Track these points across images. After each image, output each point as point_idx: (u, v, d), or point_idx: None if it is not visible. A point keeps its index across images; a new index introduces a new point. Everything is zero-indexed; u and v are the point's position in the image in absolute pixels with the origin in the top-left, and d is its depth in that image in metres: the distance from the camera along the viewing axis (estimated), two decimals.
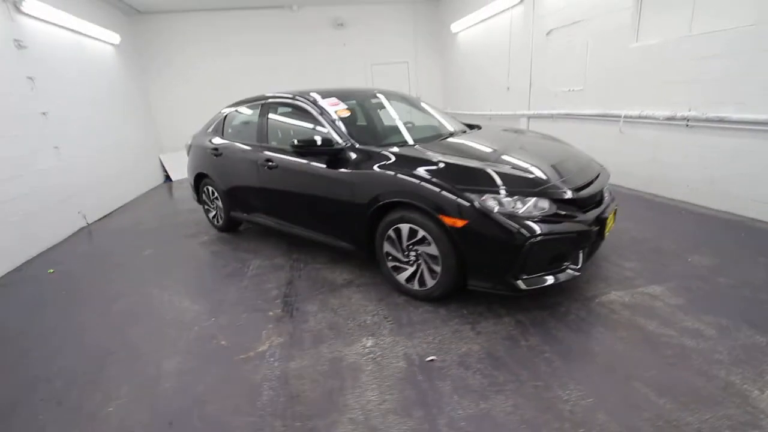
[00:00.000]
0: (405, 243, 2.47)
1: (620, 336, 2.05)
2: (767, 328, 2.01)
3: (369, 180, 2.57)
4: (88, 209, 5.22)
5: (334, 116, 2.96)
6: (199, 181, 4.32)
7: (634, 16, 4.25)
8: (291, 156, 3.10)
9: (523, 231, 2.05)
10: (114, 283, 3.35)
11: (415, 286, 2.53)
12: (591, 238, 2.26)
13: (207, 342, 2.35)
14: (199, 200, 4.55)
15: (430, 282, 2.44)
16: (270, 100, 3.54)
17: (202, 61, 8.25)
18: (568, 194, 2.20)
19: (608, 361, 1.88)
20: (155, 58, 8.02)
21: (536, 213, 2.12)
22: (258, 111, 3.61)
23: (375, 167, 2.56)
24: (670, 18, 3.92)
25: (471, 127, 3.54)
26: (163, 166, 8.21)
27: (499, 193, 2.13)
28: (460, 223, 2.15)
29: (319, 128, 3.00)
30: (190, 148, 4.48)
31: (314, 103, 3.11)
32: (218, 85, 8.22)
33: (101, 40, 6.28)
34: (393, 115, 3.43)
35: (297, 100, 3.25)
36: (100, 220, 5.49)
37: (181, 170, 7.51)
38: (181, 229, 4.74)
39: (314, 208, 3.07)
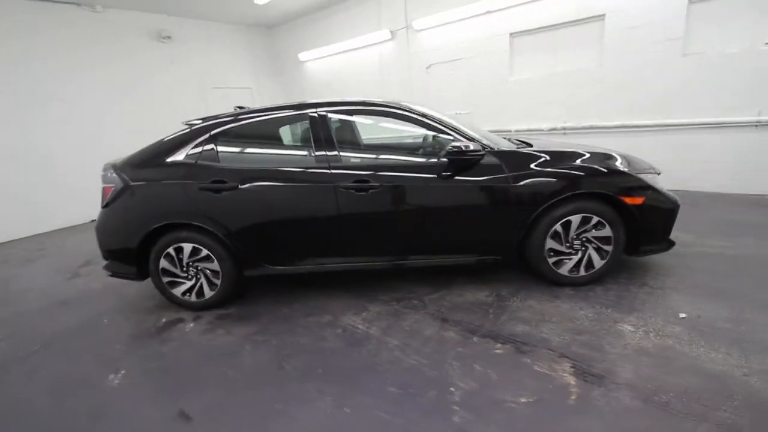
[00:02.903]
0: (572, 233, 2.62)
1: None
2: None
3: (536, 180, 2.55)
4: None
5: (452, 121, 2.72)
6: (152, 242, 2.73)
7: (509, 58, 5.75)
8: (402, 171, 2.63)
9: (676, 199, 2.66)
10: None
11: (581, 272, 2.70)
12: None
13: None
14: (145, 274, 2.84)
15: (598, 263, 2.68)
16: (331, 109, 2.76)
17: None
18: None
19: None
20: None
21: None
22: (305, 123, 2.73)
23: (532, 166, 2.57)
24: (539, 59, 5.58)
25: None
26: None
27: (655, 172, 2.66)
28: (640, 200, 2.54)
29: (443, 136, 2.71)
30: (118, 193, 2.73)
31: (411, 110, 2.73)
32: None
33: None
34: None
35: (392, 107, 2.75)
36: None
37: None
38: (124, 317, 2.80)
39: (440, 227, 2.70)
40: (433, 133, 2.85)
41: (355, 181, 2.58)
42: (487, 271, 3.08)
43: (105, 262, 2.93)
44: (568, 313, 2.44)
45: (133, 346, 2.55)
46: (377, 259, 2.76)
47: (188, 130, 2.81)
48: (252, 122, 2.79)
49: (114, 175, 2.77)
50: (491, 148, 2.63)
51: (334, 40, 7.69)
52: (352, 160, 2.75)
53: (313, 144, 2.69)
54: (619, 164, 2.63)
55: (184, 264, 2.80)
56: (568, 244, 2.65)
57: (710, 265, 2.90)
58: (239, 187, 2.63)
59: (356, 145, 3.28)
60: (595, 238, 2.63)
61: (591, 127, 5.29)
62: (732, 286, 2.58)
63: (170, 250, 2.75)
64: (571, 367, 1.97)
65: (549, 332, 2.26)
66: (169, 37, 6.89)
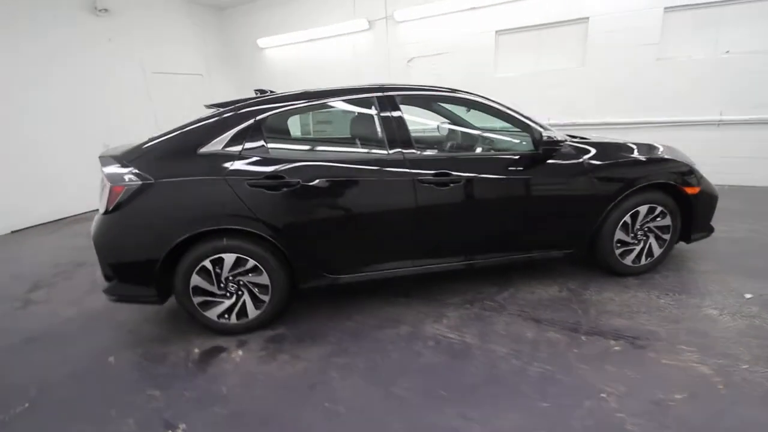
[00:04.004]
0: (638, 224, 2.66)
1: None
2: None
3: (614, 171, 2.54)
4: None
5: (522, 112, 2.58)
6: (178, 255, 2.17)
7: (495, 55, 5.83)
8: (484, 162, 2.43)
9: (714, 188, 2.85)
10: None
11: (642, 261, 2.76)
12: None
13: None
14: (166, 294, 2.25)
15: (657, 252, 2.76)
16: (405, 93, 2.47)
17: None
18: None
19: None
20: None
21: None
22: (373, 108, 2.37)
23: (609, 157, 2.55)
24: (524, 58, 5.73)
25: None
26: None
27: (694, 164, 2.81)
28: (696, 190, 2.67)
29: (519, 128, 2.58)
30: (135, 193, 2.09)
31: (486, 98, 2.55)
32: None
33: None
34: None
35: (462, 93, 2.53)
36: None
37: None
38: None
39: (523, 221, 2.56)
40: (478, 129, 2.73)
41: (435, 174, 2.31)
42: (540, 266, 3.02)
43: (105, 284, 2.26)
44: (650, 303, 2.46)
45: (175, 389, 1.98)
46: (451, 259, 2.52)
47: (225, 115, 2.28)
48: (308, 106, 2.35)
49: (126, 170, 2.13)
50: (564, 138, 2.56)
51: (300, 27, 7.12)
52: (427, 151, 2.47)
53: (384, 132, 2.36)
54: (678, 156, 2.74)
55: (223, 279, 2.27)
56: (632, 235, 2.69)
57: (728, 248, 3.16)
58: (301, 183, 2.19)
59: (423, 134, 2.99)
60: (656, 227, 2.71)
61: (572, 125, 5.58)
62: (763, 264, 2.84)
63: (206, 263, 2.20)
64: (695, 356, 1.96)
65: (649, 323, 2.25)
66: (106, 10, 5.73)
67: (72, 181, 5.57)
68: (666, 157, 2.66)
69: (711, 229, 2.88)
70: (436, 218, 2.39)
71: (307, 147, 2.51)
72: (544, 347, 2.11)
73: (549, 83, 5.59)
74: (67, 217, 5.63)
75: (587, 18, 5.16)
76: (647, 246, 2.74)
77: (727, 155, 4.86)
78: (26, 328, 2.64)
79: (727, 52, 4.62)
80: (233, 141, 2.22)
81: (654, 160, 2.62)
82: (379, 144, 2.37)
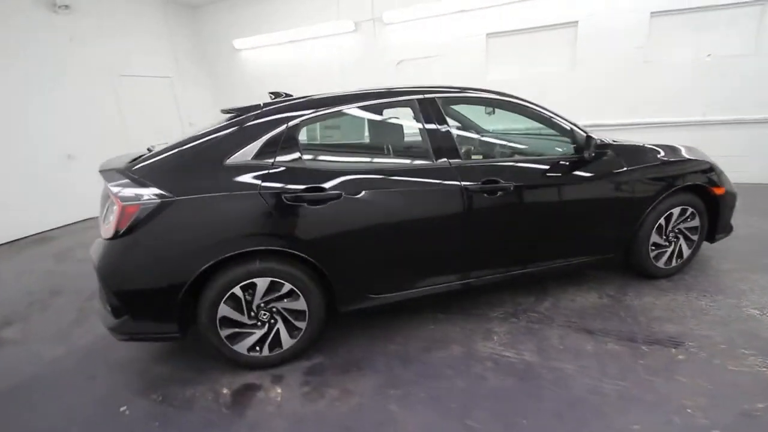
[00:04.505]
0: (671, 226, 2.65)
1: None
2: None
3: (653, 174, 2.51)
4: None
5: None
6: (201, 282, 1.88)
7: (486, 58, 5.81)
8: (532, 169, 2.32)
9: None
10: None
11: (673, 263, 2.75)
12: None
13: None
14: (185, 327, 1.95)
15: (686, 253, 2.76)
16: (448, 95, 2.32)
17: None
18: None
19: None
20: None
21: None
22: (415, 112, 2.18)
23: (647, 161, 2.53)
24: (515, 61, 5.75)
25: None
26: None
27: None
28: (722, 190, 2.69)
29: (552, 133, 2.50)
30: (153, 212, 1.78)
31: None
32: None
33: None
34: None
35: (506, 96, 2.42)
36: None
37: None
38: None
39: (570, 228, 2.48)
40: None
41: (484, 182, 2.17)
42: (573, 272, 2.93)
43: (113, 321, 1.92)
44: (692, 305, 2.44)
45: None
46: (497, 270, 2.38)
47: (252, 122, 2.01)
48: (342, 110, 2.13)
49: (140, 187, 1.82)
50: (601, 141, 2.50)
51: (280, 28, 6.80)
52: (473, 156, 2.32)
53: (427, 137, 2.18)
54: (700, 156, 2.76)
55: (254, 307, 2.00)
56: (664, 237, 2.68)
57: (740, 245, 3.24)
58: (344, 195, 1.97)
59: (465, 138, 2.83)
60: (686, 228, 2.72)
61: None
62: None
63: (236, 290, 1.92)
64: (759, 360, 1.93)
65: (700, 328, 2.21)
66: (66, 7, 5.15)
67: (28, 196, 4.94)
68: (696, 158, 2.67)
69: (731, 228, 2.94)
70: (484, 228, 2.25)
71: (345, 155, 2.29)
72: (608, 361, 2.01)
73: (540, 86, 5.63)
74: (24, 238, 4.98)
75: (576, 22, 5.26)
76: (677, 248, 2.74)
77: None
78: (6, 374, 2.22)
79: (709, 55, 4.86)
80: (264, 150, 1.96)
81: (686, 162, 2.62)
82: (424, 151, 2.20)
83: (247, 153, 1.95)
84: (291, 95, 2.55)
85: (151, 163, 1.91)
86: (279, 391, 1.96)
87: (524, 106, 2.48)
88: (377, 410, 1.79)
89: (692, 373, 1.89)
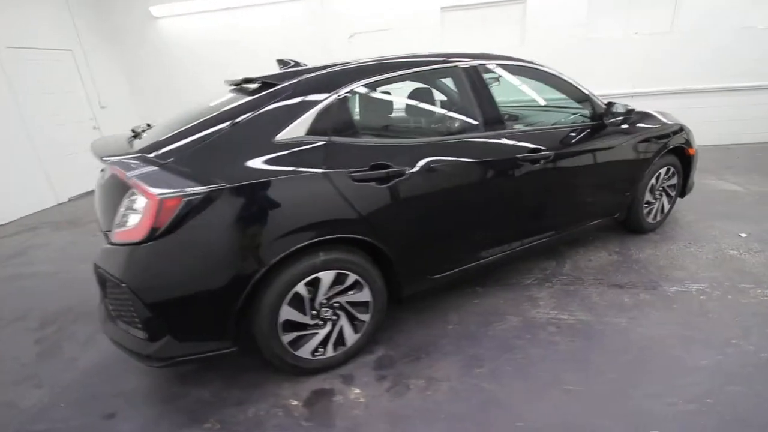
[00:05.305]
0: (659, 184, 2.96)
1: None
2: None
3: (652, 137, 2.75)
4: None
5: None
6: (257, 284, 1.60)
7: (441, 33, 5.79)
8: (564, 137, 2.38)
9: None
10: None
11: (657, 218, 3.09)
12: None
13: None
14: (237, 332, 1.65)
15: (667, 208, 3.12)
16: (481, 63, 2.17)
17: None
18: None
19: None
20: None
21: None
22: (461, 80, 2.05)
23: (646, 125, 2.77)
24: (469, 36, 5.81)
25: None
26: None
27: None
28: (693, 151, 3.07)
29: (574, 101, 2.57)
30: (198, 206, 1.42)
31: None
32: None
33: None
34: None
35: (534, 64, 2.40)
36: None
37: None
38: None
39: (595, 191, 2.64)
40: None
41: (530, 151, 2.16)
42: (578, 236, 3.13)
43: (150, 347, 1.52)
44: (686, 253, 2.77)
45: None
46: (534, 238, 2.41)
47: (296, 93, 1.70)
48: (394, 77, 1.91)
49: (175, 174, 1.44)
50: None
51: None
52: (516, 126, 2.27)
53: (477, 105, 2.08)
54: (673, 119, 3.09)
55: (317, 305, 1.76)
56: (654, 195, 2.99)
57: (691, 198, 3.71)
58: (409, 171, 1.79)
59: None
60: (668, 186, 3.06)
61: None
62: (726, 209, 3.47)
63: (299, 287, 1.66)
64: (759, 291, 2.28)
65: (704, 271, 2.52)
66: None
67: None
68: (675, 122, 2.98)
69: (693, 184, 3.39)
70: (528, 196, 2.27)
71: (397, 128, 2.08)
72: (649, 309, 2.20)
73: None
74: None
75: None
76: (661, 204, 3.08)
77: None
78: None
79: (636, 33, 5.46)
80: (317, 124, 1.69)
81: (672, 126, 2.92)
82: (473, 122, 2.10)
83: (298, 128, 1.66)
84: (300, 63, 2.26)
85: (183, 144, 1.52)
86: (357, 391, 1.77)
87: (551, 74, 2.50)
88: (473, 391, 1.73)
89: (718, 309, 2.16)
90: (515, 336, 2.06)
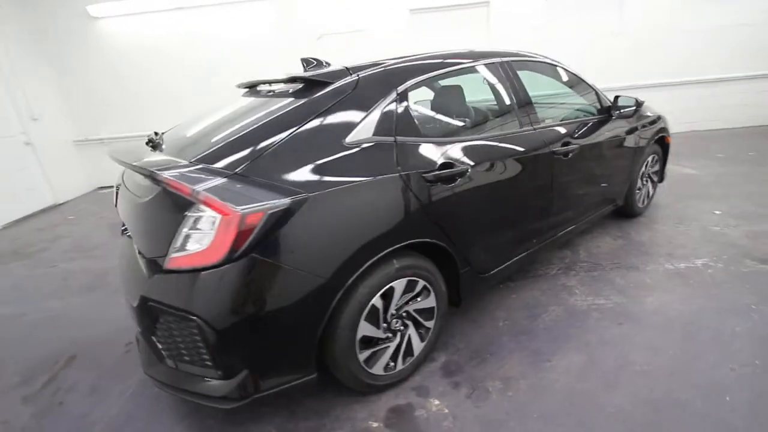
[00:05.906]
0: (647, 171, 3.22)
1: None
2: None
3: (646, 127, 2.99)
4: None
5: None
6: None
7: (411, 34, 5.82)
8: (585, 129, 2.51)
9: None
10: None
11: (645, 202, 3.35)
12: None
13: None
14: (326, 350, 1.52)
15: (652, 193, 3.40)
16: (513, 59, 2.24)
17: None
18: None
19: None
20: None
21: None
22: (505, 78, 2.07)
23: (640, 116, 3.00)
24: (437, 38, 5.91)
25: None
26: None
27: None
28: (670, 139, 3.37)
29: (585, 94, 2.69)
30: (280, 219, 1.25)
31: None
32: None
33: None
34: None
35: (546, 59, 2.47)
36: None
37: None
38: None
39: (609, 180, 2.80)
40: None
41: (563, 144, 2.22)
42: None
43: (226, 386, 1.32)
44: (678, 233, 3.03)
45: None
46: (559, 229, 2.49)
47: (357, 91, 1.58)
48: (448, 72, 1.87)
49: (249, 185, 1.26)
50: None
51: None
52: (546, 120, 2.31)
53: (515, 102, 2.10)
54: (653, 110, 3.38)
55: (388, 316, 1.65)
56: (641, 181, 3.24)
57: (671, 182, 4.11)
58: (471, 169, 1.75)
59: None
60: (652, 172, 3.33)
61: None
62: (692, 190, 3.86)
63: (375, 299, 1.55)
64: (752, 262, 2.55)
65: (700, 249, 2.77)
66: None
67: None
68: (657, 113, 3.26)
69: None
70: (562, 188, 2.33)
71: (451, 125, 2.01)
72: (672, 287, 2.37)
73: None
74: None
75: (488, 2, 5.71)
76: (647, 189, 3.35)
77: None
78: None
79: (593, 32, 5.92)
80: (382, 124, 1.59)
81: (658, 116, 3.19)
82: (512, 118, 2.12)
83: (366, 128, 1.55)
84: (323, 62, 2.15)
85: (248, 153, 1.34)
86: (437, 402, 1.70)
87: (567, 71, 2.60)
88: (553, 386, 1.73)
89: (729, 280, 2.38)
90: (567, 325, 2.11)
